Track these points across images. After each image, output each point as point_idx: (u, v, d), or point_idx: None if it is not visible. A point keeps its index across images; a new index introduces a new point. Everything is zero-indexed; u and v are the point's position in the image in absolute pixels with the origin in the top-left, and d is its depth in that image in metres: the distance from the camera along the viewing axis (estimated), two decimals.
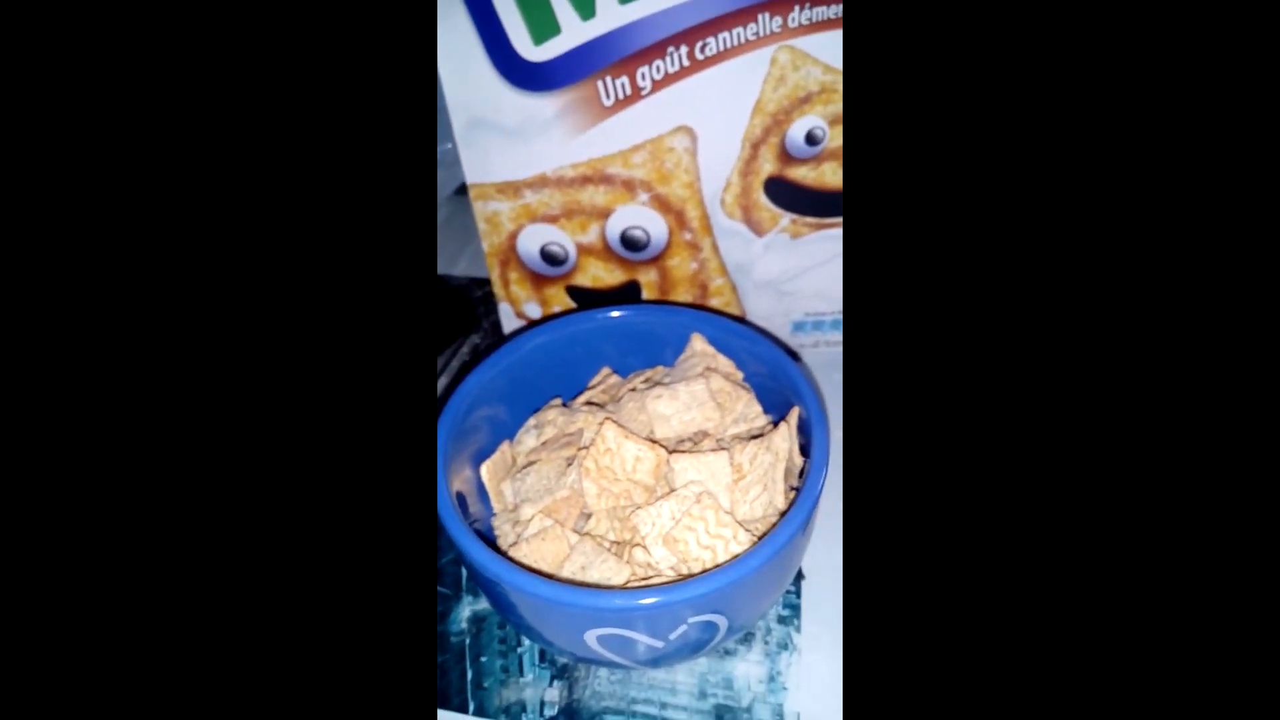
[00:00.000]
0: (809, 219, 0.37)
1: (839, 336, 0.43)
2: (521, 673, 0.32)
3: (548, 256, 0.38)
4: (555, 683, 0.31)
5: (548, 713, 0.30)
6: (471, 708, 0.31)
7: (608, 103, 0.33)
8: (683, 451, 0.29)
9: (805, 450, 0.29)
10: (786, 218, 0.37)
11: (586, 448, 0.29)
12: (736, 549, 0.26)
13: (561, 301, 0.41)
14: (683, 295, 0.40)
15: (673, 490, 0.28)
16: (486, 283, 0.50)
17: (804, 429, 0.29)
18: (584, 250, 0.38)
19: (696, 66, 0.32)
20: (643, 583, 0.26)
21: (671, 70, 0.32)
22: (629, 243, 0.38)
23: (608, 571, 0.27)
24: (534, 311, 0.41)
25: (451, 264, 0.52)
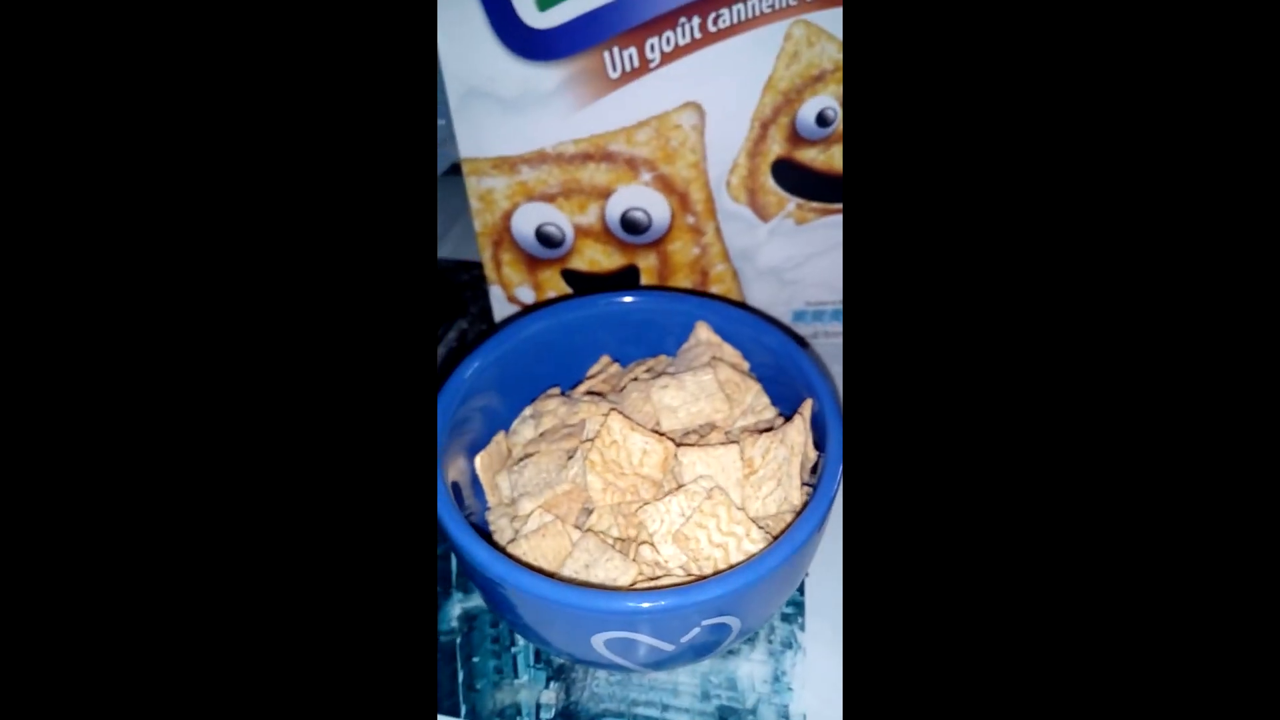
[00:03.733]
0: (815, 204, 0.36)
1: (839, 327, 0.42)
2: (516, 674, 0.30)
3: (543, 238, 0.37)
4: (552, 684, 0.30)
5: (544, 715, 0.29)
6: (464, 711, 0.29)
7: (614, 75, 0.31)
8: (690, 445, 0.28)
9: (818, 445, 0.28)
10: (793, 202, 0.36)
11: (589, 440, 0.28)
12: (750, 548, 0.25)
13: (556, 286, 0.39)
14: (682, 281, 0.39)
15: (681, 485, 0.27)
16: (474, 266, 0.48)
17: (816, 422, 0.28)
18: (582, 232, 0.36)
19: (708, 39, 0.30)
20: (651, 583, 0.25)
21: (682, 42, 0.30)
22: (629, 225, 0.36)
23: (613, 570, 0.25)
24: (527, 296, 0.39)
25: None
